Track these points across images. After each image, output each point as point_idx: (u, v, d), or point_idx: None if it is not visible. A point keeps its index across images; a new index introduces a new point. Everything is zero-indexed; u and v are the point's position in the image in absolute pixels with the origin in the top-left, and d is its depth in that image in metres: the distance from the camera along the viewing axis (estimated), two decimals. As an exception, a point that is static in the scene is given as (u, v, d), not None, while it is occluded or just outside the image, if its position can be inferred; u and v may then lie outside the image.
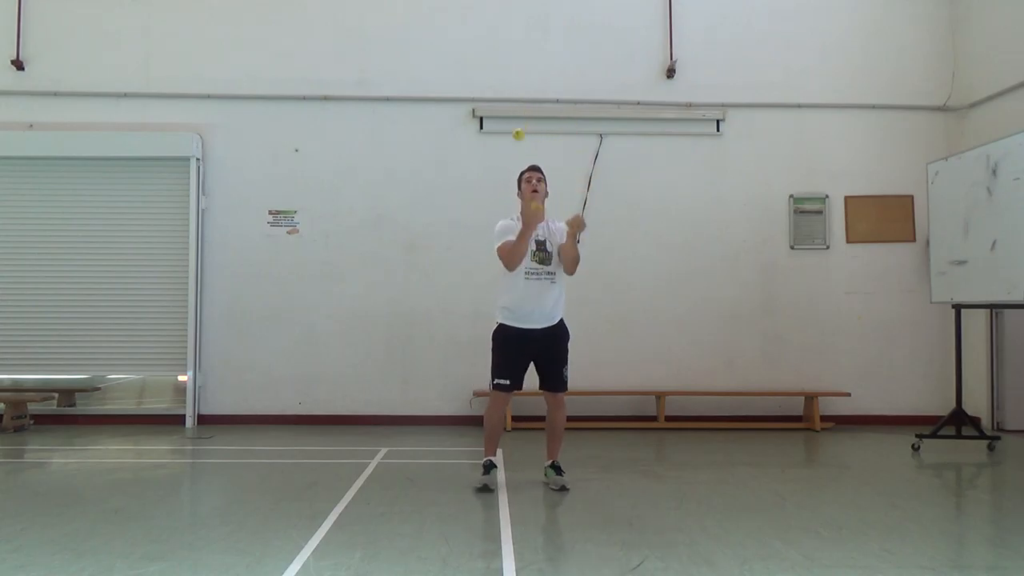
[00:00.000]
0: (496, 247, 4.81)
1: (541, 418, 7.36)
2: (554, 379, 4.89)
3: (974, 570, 3.45)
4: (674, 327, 7.81)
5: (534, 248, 4.79)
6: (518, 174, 4.99)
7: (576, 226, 4.73)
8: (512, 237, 4.74)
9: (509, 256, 4.72)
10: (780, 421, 7.65)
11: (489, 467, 4.89)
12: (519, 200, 4.93)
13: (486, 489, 4.77)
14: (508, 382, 4.82)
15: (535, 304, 4.78)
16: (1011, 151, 5.73)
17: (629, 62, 7.96)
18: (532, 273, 4.77)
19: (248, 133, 7.86)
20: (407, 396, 7.71)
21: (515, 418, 7.24)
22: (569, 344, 4.97)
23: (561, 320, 4.93)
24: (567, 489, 4.81)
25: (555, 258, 4.85)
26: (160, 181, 7.78)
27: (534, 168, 4.96)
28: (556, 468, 4.95)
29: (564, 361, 4.91)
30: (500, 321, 4.89)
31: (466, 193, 7.70)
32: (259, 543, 3.70)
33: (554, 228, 4.91)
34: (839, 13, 8.06)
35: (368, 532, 3.90)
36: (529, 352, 4.85)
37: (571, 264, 4.82)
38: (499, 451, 6.04)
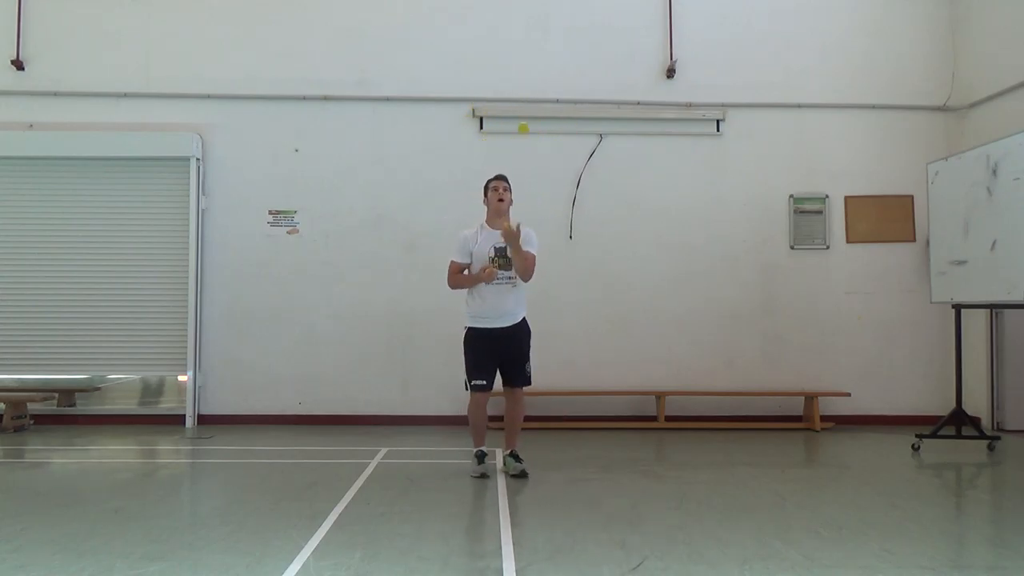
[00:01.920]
0: (450, 260, 5.21)
1: (540, 418, 7.42)
2: (517, 375, 5.18)
3: (974, 570, 3.45)
4: (674, 327, 7.81)
5: (492, 255, 5.08)
6: (485, 182, 5.32)
7: (508, 237, 4.91)
8: (464, 259, 5.14)
9: (452, 283, 5.22)
10: (780, 421, 7.65)
11: (482, 456, 5.21)
12: (485, 206, 5.26)
13: (484, 477, 5.09)
14: (484, 383, 5.11)
15: (497, 307, 5.08)
16: (1011, 151, 5.73)
17: (629, 62, 7.96)
18: (495, 279, 5.07)
19: (248, 133, 7.86)
20: (407, 396, 7.71)
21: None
22: (532, 341, 5.26)
23: (524, 319, 5.23)
24: (526, 475, 5.09)
25: (514, 264, 5.07)
26: (160, 181, 7.78)
27: (501, 177, 5.25)
28: (515, 456, 5.20)
29: (526, 357, 5.21)
30: (468, 324, 5.18)
31: (466, 193, 7.63)
32: (259, 543, 3.70)
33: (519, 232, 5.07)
34: (839, 13, 8.06)
35: (368, 532, 3.90)
36: (496, 350, 5.12)
37: (523, 273, 5.06)
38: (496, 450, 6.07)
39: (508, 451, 5.26)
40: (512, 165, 7.80)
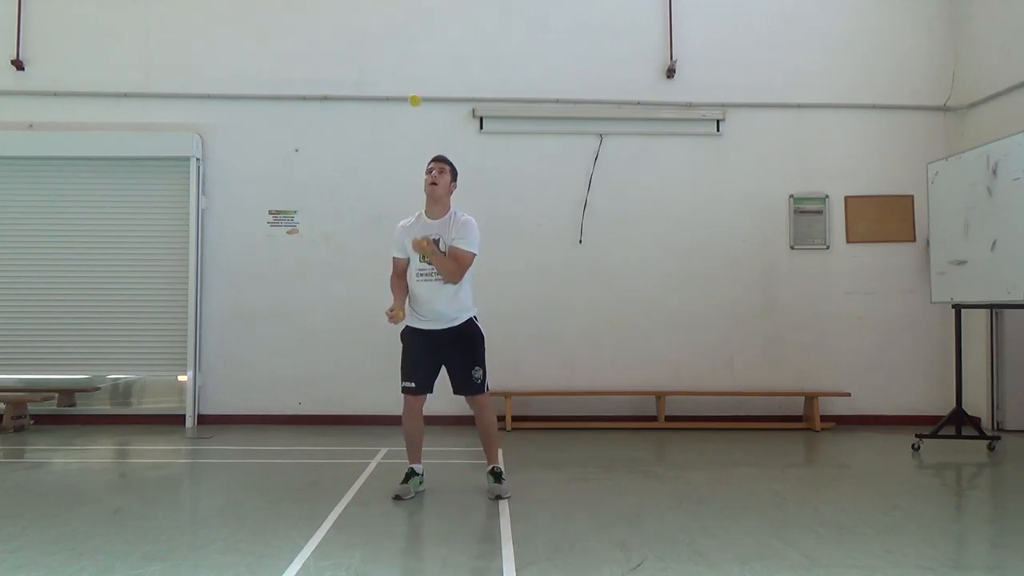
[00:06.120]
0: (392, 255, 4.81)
1: (543, 418, 7.43)
2: (463, 382, 4.70)
3: (974, 570, 3.45)
4: (674, 327, 7.80)
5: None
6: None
7: (418, 249, 4.54)
8: (400, 254, 4.79)
9: (391, 286, 4.82)
10: (780, 421, 7.65)
11: (409, 475, 4.67)
12: (423, 193, 4.76)
13: (398, 499, 4.52)
14: (413, 385, 4.67)
15: (429, 305, 4.62)
16: (1011, 151, 5.73)
17: (629, 62, 7.96)
18: (422, 274, 4.63)
19: (248, 133, 7.85)
20: (407, 396, 7.70)
21: (515, 418, 7.24)
22: (484, 346, 4.74)
23: (469, 320, 4.70)
24: (503, 498, 4.54)
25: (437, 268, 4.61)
26: (160, 181, 7.78)
27: (436, 158, 4.73)
28: (496, 475, 4.69)
29: (473, 363, 4.67)
30: (406, 323, 4.74)
31: (466, 193, 7.60)
32: (259, 543, 3.70)
33: (455, 222, 4.66)
34: (839, 13, 8.06)
35: (368, 532, 3.90)
36: (436, 354, 4.67)
37: (448, 276, 4.56)
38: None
39: (489, 467, 4.75)
40: (513, 165, 7.85)
